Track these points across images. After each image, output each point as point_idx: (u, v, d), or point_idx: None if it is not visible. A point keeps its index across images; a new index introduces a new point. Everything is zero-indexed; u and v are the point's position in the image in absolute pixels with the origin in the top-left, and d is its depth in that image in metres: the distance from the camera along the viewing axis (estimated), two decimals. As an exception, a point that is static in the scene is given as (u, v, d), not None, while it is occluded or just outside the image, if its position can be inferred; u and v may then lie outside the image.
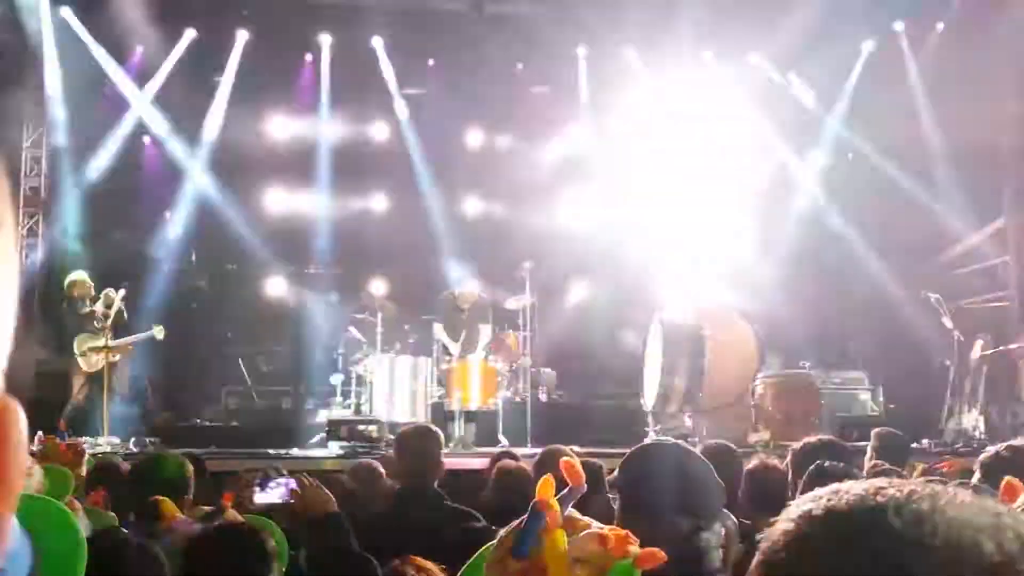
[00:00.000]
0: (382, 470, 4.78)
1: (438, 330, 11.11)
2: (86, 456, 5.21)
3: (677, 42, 13.44)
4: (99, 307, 10.31)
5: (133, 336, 10.51)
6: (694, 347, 10.06)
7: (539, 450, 9.05)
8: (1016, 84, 12.97)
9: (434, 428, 4.70)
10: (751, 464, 4.57)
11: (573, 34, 14.06)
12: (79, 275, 10.61)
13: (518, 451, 8.99)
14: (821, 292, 13.60)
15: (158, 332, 10.46)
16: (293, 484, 3.77)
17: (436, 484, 4.51)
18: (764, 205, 13.83)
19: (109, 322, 10.19)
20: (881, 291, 13.16)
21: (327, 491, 3.67)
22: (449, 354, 10.89)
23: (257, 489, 4.04)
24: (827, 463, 3.54)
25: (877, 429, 5.75)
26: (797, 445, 4.49)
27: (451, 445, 9.51)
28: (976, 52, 12.87)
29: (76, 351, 10.11)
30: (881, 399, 12.25)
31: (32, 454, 5.12)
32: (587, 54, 14.48)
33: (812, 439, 4.58)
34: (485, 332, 11.07)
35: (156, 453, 3.97)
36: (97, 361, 10.14)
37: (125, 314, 10.39)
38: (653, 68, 14.25)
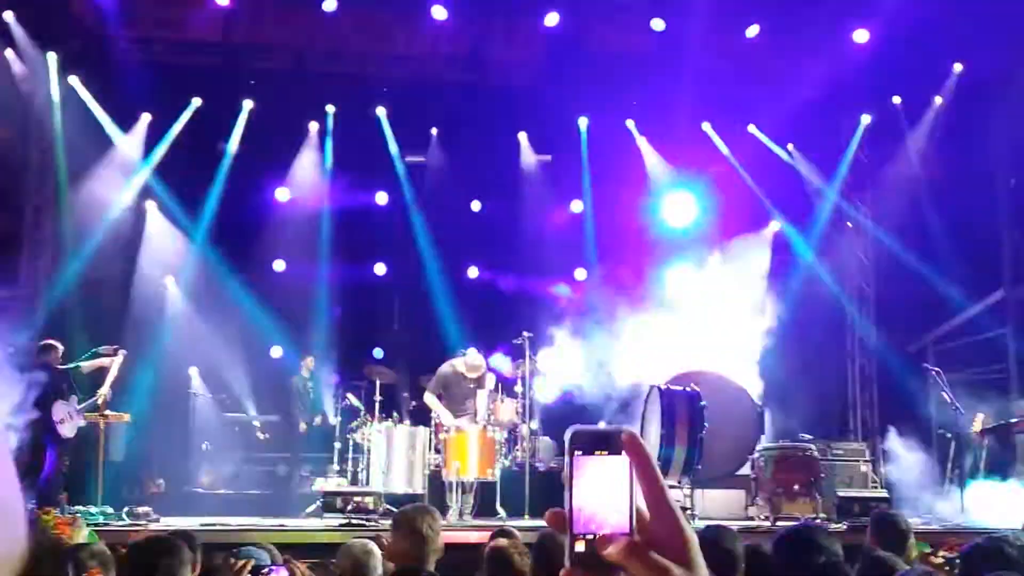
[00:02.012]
0: (377, 551, 4.72)
1: (429, 399, 10.87)
2: (83, 530, 5.19)
3: (677, 114, 13.68)
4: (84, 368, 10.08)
5: (93, 361, 10.19)
6: (693, 418, 10.01)
7: (537, 524, 9.01)
8: (1011, 158, 13.11)
9: (432, 509, 4.65)
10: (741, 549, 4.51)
11: (574, 105, 14.26)
12: (51, 340, 10.32)
13: (516, 523, 8.92)
14: (821, 364, 13.58)
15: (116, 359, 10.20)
16: (285, 574, 3.72)
17: (434, 565, 4.47)
18: (764, 276, 13.87)
19: (107, 387, 10.12)
20: (881, 363, 13.16)
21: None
22: (444, 425, 10.67)
23: (250, 576, 3.99)
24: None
25: (875, 511, 5.65)
26: (780, 532, 4.46)
27: (448, 517, 9.42)
28: (973, 126, 13.04)
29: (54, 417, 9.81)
30: (883, 470, 12.18)
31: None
32: (588, 124, 14.67)
33: (794, 525, 4.54)
34: (483, 397, 10.93)
35: (149, 539, 3.90)
36: (73, 427, 9.92)
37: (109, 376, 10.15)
38: (653, 138, 14.47)
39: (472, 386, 10.87)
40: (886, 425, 12.44)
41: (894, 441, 11.88)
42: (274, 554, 5.06)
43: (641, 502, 1.04)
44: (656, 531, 1.03)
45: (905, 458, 11.68)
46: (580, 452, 1.06)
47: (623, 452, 1.05)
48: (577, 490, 1.05)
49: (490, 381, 11.11)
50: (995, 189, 13.60)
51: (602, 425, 1.10)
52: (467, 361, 10.76)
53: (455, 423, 10.45)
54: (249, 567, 4.02)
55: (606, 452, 1.05)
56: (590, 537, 1.03)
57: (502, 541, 4.88)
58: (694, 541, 1.03)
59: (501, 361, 12.17)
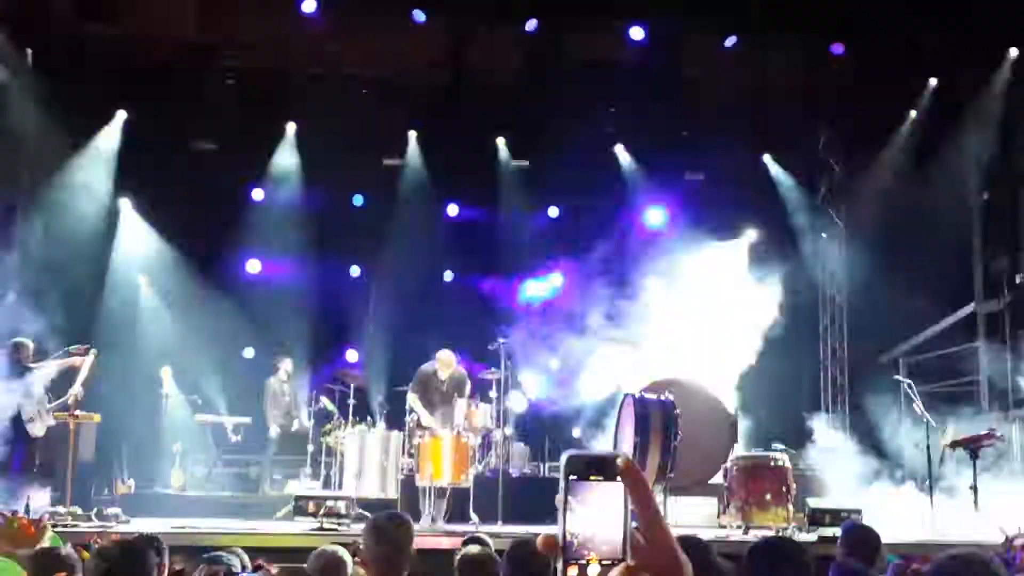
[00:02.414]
0: (348, 557, 4.69)
1: (412, 400, 10.98)
2: (48, 532, 5.10)
3: (654, 120, 13.75)
4: (50, 370, 9.97)
5: (64, 360, 10.10)
6: (667, 426, 10.02)
7: (510, 530, 9.01)
8: (983, 173, 13.27)
9: (406, 517, 4.62)
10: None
11: (553, 109, 14.27)
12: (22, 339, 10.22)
13: (489, 528, 8.91)
14: (794, 374, 13.67)
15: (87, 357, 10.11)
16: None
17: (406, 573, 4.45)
18: (734, 286, 13.92)
19: (78, 386, 10.02)
20: (854, 374, 13.25)
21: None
22: (422, 427, 10.70)
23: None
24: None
25: (845, 523, 5.66)
26: (753, 544, 4.47)
27: (421, 522, 9.39)
28: (946, 141, 13.18)
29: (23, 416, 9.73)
30: (854, 480, 12.23)
31: None
32: (566, 129, 14.66)
33: (768, 537, 4.56)
34: (461, 405, 10.91)
35: (112, 544, 3.85)
36: (43, 427, 9.84)
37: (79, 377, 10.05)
38: (630, 144, 14.53)
39: (447, 389, 10.84)
40: (856, 435, 12.51)
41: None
42: (244, 558, 5.03)
43: (636, 527, 1.03)
44: (651, 557, 1.03)
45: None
46: (575, 477, 1.05)
47: (618, 478, 1.05)
48: (571, 515, 1.05)
49: (465, 384, 11.12)
50: (967, 203, 13.75)
51: (596, 449, 1.10)
52: (439, 357, 10.91)
53: (431, 422, 10.48)
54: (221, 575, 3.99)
55: (601, 478, 1.05)
56: (583, 563, 1.03)
57: (472, 549, 4.87)
58: (688, 569, 1.03)
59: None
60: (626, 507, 1.04)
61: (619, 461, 1.05)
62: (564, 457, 1.07)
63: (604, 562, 1.02)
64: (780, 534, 8.64)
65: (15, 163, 12.73)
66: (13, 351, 9.95)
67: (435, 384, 10.99)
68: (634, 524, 1.05)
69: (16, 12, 12.40)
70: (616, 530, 1.04)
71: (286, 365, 12.70)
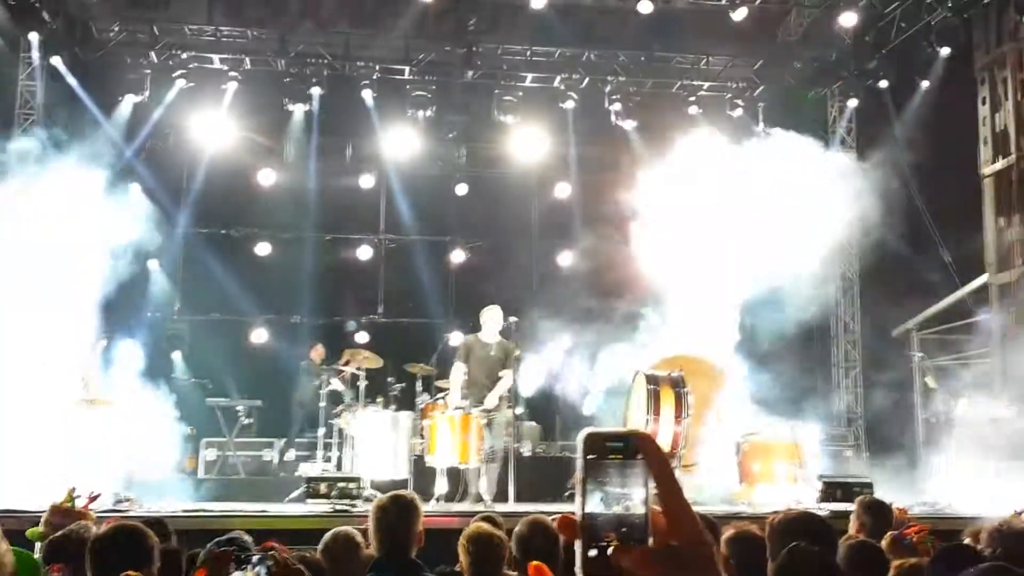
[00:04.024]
0: (359, 539, 4.69)
1: (455, 373, 10.12)
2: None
3: (662, 95, 13.67)
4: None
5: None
6: (677, 403, 10.00)
7: (522, 509, 9.01)
8: (993, 143, 13.13)
9: (412, 497, 4.60)
10: (730, 532, 4.50)
11: (561, 83, 14.21)
12: None
13: (501, 507, 8.91)
14: (806, 349, 13.60)
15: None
16: (268, 565, 3.69)
17: (414, 553, 4.44)
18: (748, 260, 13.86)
19: (88, 373, 10.06)
20: (865, 348, 13.18)
21: (301, 567, 3.59)
22: (459, 403, 9.91)
23: (233, 566, 3.95)
24: (802, 548, 3.47)
25: (860, 498, 5.64)
26: (776, 517, 4.41)
27: (432, 502, 9.39)
28: (957, 111, 13.05)
29: None
30: (865, 456, 12.22)
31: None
32: (574, 105, 14.61)
33: (792, 511, 4.51)
34: (507, 377, 10.18)
35: (116, 525, 3.85)
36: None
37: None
38: (637, 118, 14.44)
39: (494, 354, 10.21)
40: (870, 411, 12.46)
41: (878, 427, 11.90)
42: (256, 541, 5.03)
43: (658, 506, 1.00)
44: (674, 536, 1.00)
45: (889, 444, 11.74)
46: (594, 456, 1.02)
47: (638, 456, 1.01)
48: (591, 495, 1.01)
49: (512, 355, 10.34)
50: (979, 173, 13.61)
51: (617, 428, 1.05)
52: (484, 315, 10.21)
53: (458, 403, 9.92)
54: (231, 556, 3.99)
55: (621, 456, 1.02)
56: (603, 544, 1.00)
57: (481, 526, 4.83)
58: (712, 547, 1.00)
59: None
60: (647, 486, 1.01)
61: (639, 438, 1.02)
62: (581, 436, 1.03)
63: (625, 543, 0.99)
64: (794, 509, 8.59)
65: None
66: None
67: (479, 352, 10.17)
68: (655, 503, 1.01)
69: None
70: (637, 510, 1.01)
71: (319, 350, 12.73)
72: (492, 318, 10.20)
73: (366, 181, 14.80)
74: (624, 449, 1.02)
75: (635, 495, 1.01)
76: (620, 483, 1.01)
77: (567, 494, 10.24)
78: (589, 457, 1.02)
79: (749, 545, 4.37)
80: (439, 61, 14.11)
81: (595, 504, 1.01)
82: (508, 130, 14.53)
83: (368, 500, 8.93)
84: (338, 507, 9.03)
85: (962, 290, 13.19)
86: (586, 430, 1.03)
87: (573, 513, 1.02)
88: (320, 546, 4.63)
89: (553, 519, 4.06)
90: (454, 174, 14.91)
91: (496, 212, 14.58)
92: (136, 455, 11.91)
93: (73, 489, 5.45)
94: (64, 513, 5.00)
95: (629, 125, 14.53)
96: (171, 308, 13.57)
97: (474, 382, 10.09)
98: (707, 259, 12.34)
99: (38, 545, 4.73)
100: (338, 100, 14.11)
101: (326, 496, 9.17)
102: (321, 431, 11.62)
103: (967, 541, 4.60)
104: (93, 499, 5.87)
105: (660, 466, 1.01)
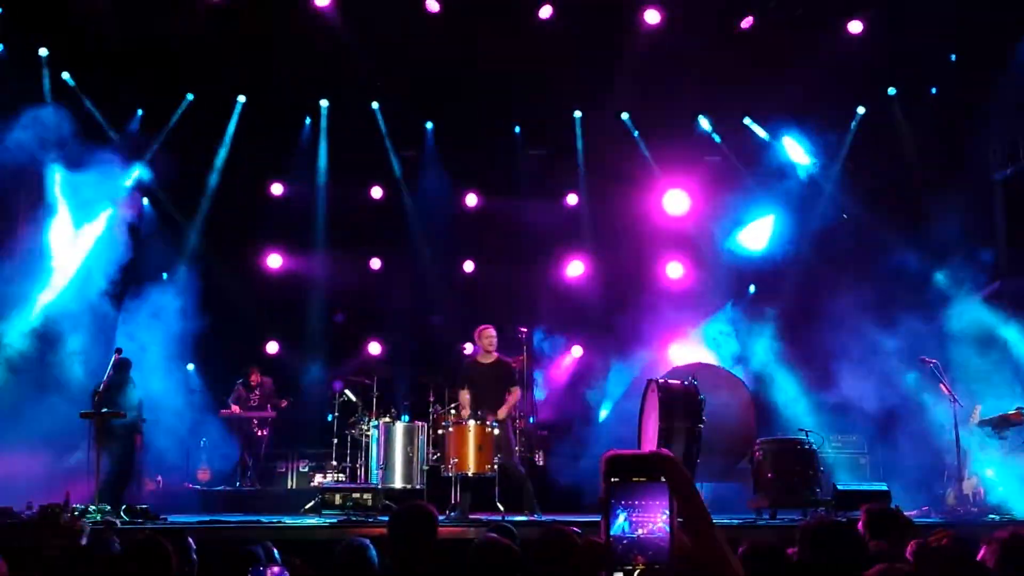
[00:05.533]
0: (373, 549, 4.68)
1: (462, 399, 10.24)
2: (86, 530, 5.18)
3: (671, 106, 13.67)
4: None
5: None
6: (691, 412, 9.96)
7: (536, 518, 8.99)
8: (1004, 149, 13.09)
9: (428, 509, 4.58)
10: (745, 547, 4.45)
11: (569, 97, 14.22)
12: None
13: (515, 519, 8.88)
14: (818, 356, 13.54)
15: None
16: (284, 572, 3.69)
17: (428, 563, 4.42)
18: (760, 268, 13.86)
19: (102, 386, 10.08)
20: (879, 355, 13.08)
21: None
22: (472, 418, 9.92)
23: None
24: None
25: (866, 505, 5.52)
26: (808, 523, 4.37)
27: (447, 513, 9.37)
28: (966, 118, 13.02)
29: None
30: (880, 464, 12.15)
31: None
32: (583, 117, 14.64)
33: (824, 521, 4.49)
34: (516, 392, 10.27)
35: (138, 541, 3.86)
36: None
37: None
38: (647, 131, 14.45)
39: (495, 373, 10.23)
40: (884, 418, 12.38)
41: (892, 433, 11.84)
42: (272, 551, 5.03)
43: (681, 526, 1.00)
44: (698, 557, 1.00)
45: (903, 451, 11.66)
46: (617, 479, 1.02)
47: (662, 477, 1.01)
48: (615, 518, 1.01)
49: (511, 372, 10.42)
50: (990, 178, 13.57)
51: (639, 451, 1.04)
52: (479, 334, 10.30)
53: (469, 420, 9.95)
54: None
55: (644, 478, 1.01)
56: (630, 567, 1.00)
57: (491, 537, 4.78)
58: (737, 566, 0.99)
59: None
60: (671, 507, 1.01)
61: (662, 459, 1.02)
62: (605, 458, 1.03)
63: (651, 567, 0.99)
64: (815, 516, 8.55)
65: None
66: None
67: (479, 374, 10.24)
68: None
69: (32, 9, 12.45)
70: (662, 531, 1.01)
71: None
72: (486, 336, 10.26)
73: (376, 193, 14.83)
74: (647, 471, 1.02)
75: (659, 517, 1.01)
76: (644, 505, 1.01)
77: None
78: (613, 480, 1.02)
79: (763, 558, 4.35)
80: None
81: (620, 526, 1.01)
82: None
83: (384, 511, 8.92)
84: (353, 518, 9.03)
85: (976, 295, 13.12)
86: (609, 452, 1.03)
87: (598, 536, 1.02)
88: (336, 554, 4.63)
89: (573, 531, 4.04)
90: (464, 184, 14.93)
91: (507, 223, 14.58)
92: (150, 467, 11.98)
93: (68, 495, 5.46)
94: (53, 525, 4.97)
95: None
96: (184, 319, 13.59)
97: (482, 403, 10.12)
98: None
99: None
100: (347, 111, 14.15)
101: (341, 507, 9.17)
102: (335, 442, 11.63)
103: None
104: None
105: (684, 486, 1.01)
